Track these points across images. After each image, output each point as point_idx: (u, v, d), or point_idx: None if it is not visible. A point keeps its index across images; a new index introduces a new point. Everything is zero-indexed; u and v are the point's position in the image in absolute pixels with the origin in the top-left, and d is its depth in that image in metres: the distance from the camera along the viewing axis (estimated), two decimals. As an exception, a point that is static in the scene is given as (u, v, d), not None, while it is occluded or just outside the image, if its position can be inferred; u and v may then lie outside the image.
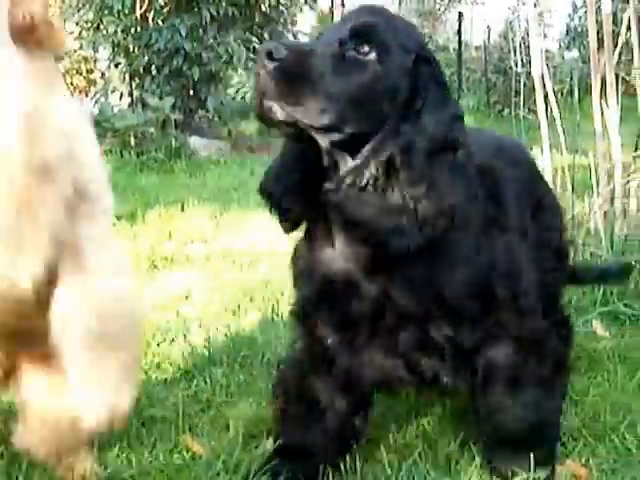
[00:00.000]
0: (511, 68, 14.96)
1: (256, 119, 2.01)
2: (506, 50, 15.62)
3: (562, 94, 4.61)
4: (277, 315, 3.62)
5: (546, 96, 4.15)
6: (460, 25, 17.35)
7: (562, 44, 18.41)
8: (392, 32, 1.96)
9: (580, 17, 15.25)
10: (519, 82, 4.77)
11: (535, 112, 4.18)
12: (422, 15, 17.01)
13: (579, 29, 13.74)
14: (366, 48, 1.91)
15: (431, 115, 1.95)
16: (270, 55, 1.80)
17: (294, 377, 2.36)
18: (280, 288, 4.00)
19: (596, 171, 4.04)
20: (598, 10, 4.02)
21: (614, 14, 4.09)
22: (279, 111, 1.83)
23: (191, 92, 10.33)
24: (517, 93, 14.34)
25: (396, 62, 1.94)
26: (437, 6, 18.50)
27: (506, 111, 15.12)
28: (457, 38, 17.86)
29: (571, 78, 4.68)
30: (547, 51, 17.40)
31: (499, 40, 16.45)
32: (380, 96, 1.94)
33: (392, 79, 1.94)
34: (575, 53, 16.42)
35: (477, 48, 18.51)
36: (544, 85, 4.14)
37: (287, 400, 2.37)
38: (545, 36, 16.78)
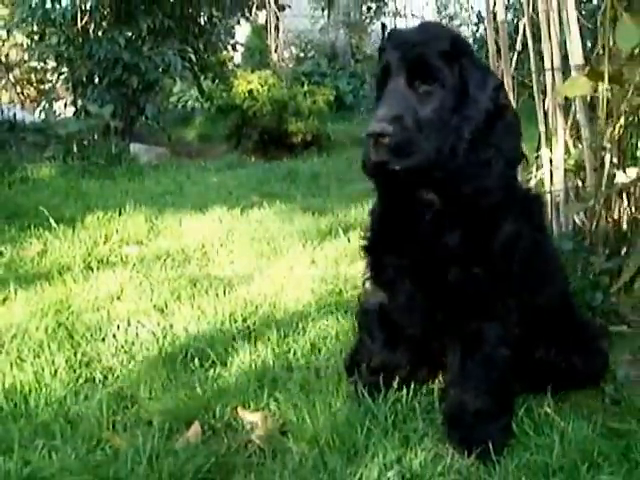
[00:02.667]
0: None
1: (369, 176, 2.46)
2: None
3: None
4: (202, 313, 3.58)
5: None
6: (384, 36, 17.36)
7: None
8: (433, 48, 2.28)
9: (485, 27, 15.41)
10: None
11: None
12: (349, 26, 16.96)
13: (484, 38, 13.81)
14: (429, 80, 2.27)
15: (479, 93, 2.30)
16: (382, 135, 2.17)
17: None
18: (206, 287, 3.97)
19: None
20: (495, 18, 4.05)
21: (516, 23, 4.13)
22: (397, 166, 2.21)
23: (131, 100, 10.17)
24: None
25: (449, 75, 2.27)
26: (363, 17, 18.47)
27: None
28: (382, 47, 17.90)
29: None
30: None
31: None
32: (449, 106, 2.28)
33: (452, 91, 2.28)
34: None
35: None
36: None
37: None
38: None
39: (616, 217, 3.70)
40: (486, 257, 2.36)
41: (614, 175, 3.63)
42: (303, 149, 10.28)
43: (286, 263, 4.49)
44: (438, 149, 2.24)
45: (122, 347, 3.22)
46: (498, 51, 3.97)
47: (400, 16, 18.85)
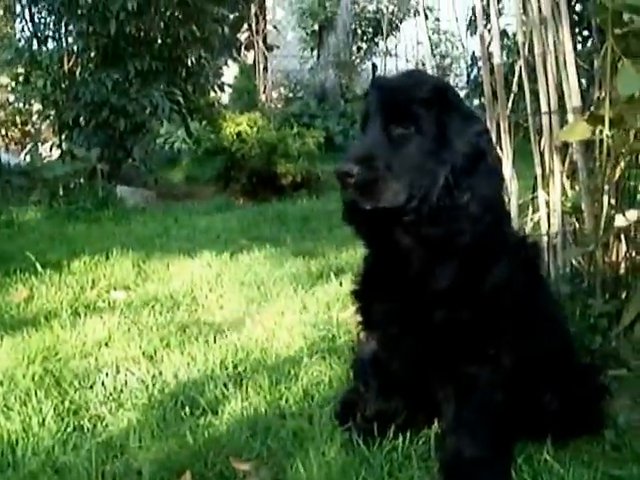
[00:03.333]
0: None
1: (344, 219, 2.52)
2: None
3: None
4: (192, 359, 3.59)
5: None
6: (374, 76, 17.56)
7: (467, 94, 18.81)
8: (412, 94, 2.33)
9: (479, 68, 15.57)
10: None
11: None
12: (339, 66, 17.15)
13: (479, 79, 13.94)
14: (405, 124, 2.31)
15: (458, 138, 2.33)
16: (348, 174, 2.21)
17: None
18: (196, 333, 3.98)
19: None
20: (490, 60, 4.12)
21: (511, 64, 4.20)
22: (366, 206, 2.27)
23: (118, 143, 10.22)
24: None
25: (426, 120, 2.31)
26: (353, 57, 18.68)
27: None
28: (372, 88, 18.06)
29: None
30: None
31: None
32: (425, 150, 2.31)
33: (429, 136, 2.31)
34: (476, 102, 16.73)
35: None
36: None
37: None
38: (456, 86, 17.16)
39: (614, 259, 3.73)
40: (473, 300, 2.39)
41: (612, 218, 3.66)
42: (292, 191, 10.35)
43: (277, 308, 4.51)
44: (409, 192, 2.29)
45: (111, 395, 3.23)
46: (494, 92, 4.02)
47: (390, 56, 19.07)
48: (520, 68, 4.05)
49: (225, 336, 3.97)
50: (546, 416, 2.62)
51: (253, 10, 17.06)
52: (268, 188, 10.23)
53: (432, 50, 17.19)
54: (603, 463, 2.58)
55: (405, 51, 18.46)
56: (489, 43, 4.21)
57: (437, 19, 19.30)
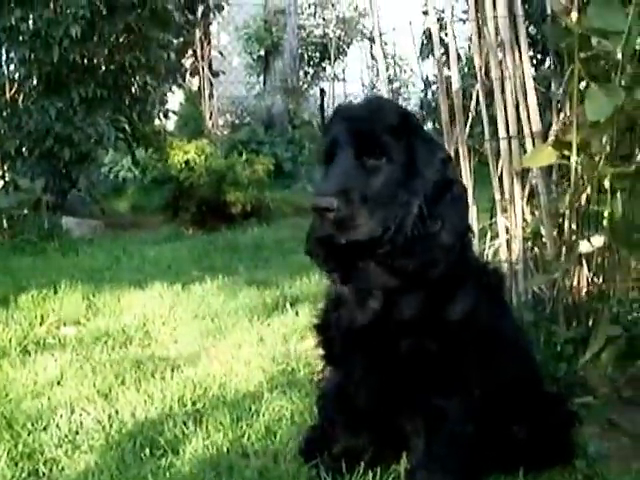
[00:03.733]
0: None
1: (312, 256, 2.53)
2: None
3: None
4: (149, 397, 3.53)
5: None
6: (323, 101, 17.67)
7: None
8: (381, 123, 2.33)
9: (433, 92, 15.69)
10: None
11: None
12: (286, 92, 17.17)
13: (432, 104, 14.06)
14: (376, 155, 2.32)
15: (426, 166, 2.35)
16: (327, 209, 2.20)
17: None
18: (151, 369, 3.93)
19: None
20: (449, 85, 4.15)
21: (464, 89, 4.24)
22: (342, 240, 2.26)
23: (63, 172, 10.10)
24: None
25: (396, 149, 2.33)
26: (300, 82, 18.73)
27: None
28: (320, 113, 18.18)
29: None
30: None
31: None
32: (397, 180, 2.32)
33: (399, 165, 2.33)
34: (429, 125, 16.92)
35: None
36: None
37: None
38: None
39: (576, 285, 3.76)
40: (439, 330, 2.39)
41: (574, 243, 3.69)
42: (243, 219, 10.30)
43: (233, 341, 4.47)
44: (384, 223, 2.29)
45: (66, 437, 3.15)
46: (451, 117, 4.05)
47: (338, 80, 19.18)
48: (477, 92, 4.09)
49: (181, 371, 3.92)
50: (516, 447, 2.61)
51: (198, 35, 17.01)
52: (218, 217, 10.17)
53: (381, 74, 17.36)
54: (575, 494, 2.60)
55: (361, 75, 18.56)
56: (444, 67, 4.25)
57: (385, 43, 19.42)
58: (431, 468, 2.40)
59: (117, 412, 3.38)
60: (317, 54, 19.66)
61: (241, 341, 4.46)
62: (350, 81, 19.14)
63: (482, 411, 2.44)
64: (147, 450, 2.97)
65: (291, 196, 13.14)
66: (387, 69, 19.58)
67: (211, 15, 16.64)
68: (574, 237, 3.71)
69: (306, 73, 19.85)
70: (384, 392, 2.45)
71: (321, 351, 2.66)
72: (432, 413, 2.41)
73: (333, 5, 19.48)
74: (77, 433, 3.19)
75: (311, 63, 19.91)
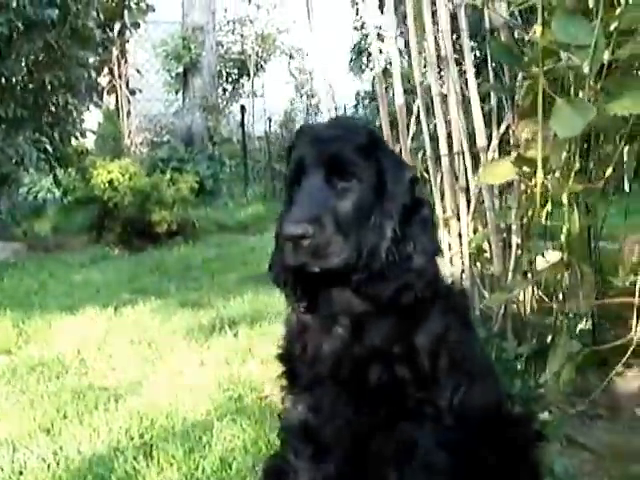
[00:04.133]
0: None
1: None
2: (288, 139, 15.93)
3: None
4: (94, 430, 3.36)
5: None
6: (243, 117, 17.54)
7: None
8: (350, 144, 2.22)
9: (365, 107, 15.71)
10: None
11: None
12: (206, 109, 16.99)
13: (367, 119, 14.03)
14: (347, 177, 2.19)
15: (396, 187, 2.24)
16: (303, 236, 2.07)
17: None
18: (93, 400, 3.75)
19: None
20: (391, 101, 4.08)
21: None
22: (316, 268, 2.14)
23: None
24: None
25: (366, 170, 2.21)
26: (219, 100, 18.57)
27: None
28: (241, 130, 18.05)
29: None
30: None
31: (280, 130, 16.70)
32: (368, 202, 2.21)
33: (370, 186, 2.21)
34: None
35: (259, 138, 18.76)
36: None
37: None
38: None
39: (522, 300, 3.72)
40: (411, 356, 2.29)
41: (519, 258, 3.65)
42: (168, 238, 10.14)
43: (173, 366, 4.32)
44: (359, 248, 2.19)
45: (10, 477, 2.97)
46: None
47: (256, 96, 19.09)
48: (418, 108, 4.03)
49: (124, 401, 3.76)
50: (487, 474, 2.53)
51: (115, 53, 16.76)
52: (143, 237, 9.98)
53: (298, 89, 17.38)
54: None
55: (280, 90, 18.49)
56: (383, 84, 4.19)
57: (303, 58, 19.44)
58: (404, 500, 2.30)
59: (62, 448, 3.19)
60: (235, 71, 19.54)
61: (182, 366, 4.31)
62: (269, 97, 19.06)
63: (454, 438, 2.35)
64: (98, 489, 2.81)
65: (214, 213, 13.01)
66: (304, 85, 19.67)
67: (127, 33, 16.44)
68: (520, 252, 3.68)
69: (224, 90, 19.72)
70: (353, 421, 2.34)
71: (285, 382, 2.53)
72: (403, 444, 2.31)
73: (252, 22, 19.38)
74: (21, 473, 3.00)
75: (229, 80, 19.79)
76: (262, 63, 19.27)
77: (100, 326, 5.37)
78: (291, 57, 20.01)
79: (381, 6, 7.08)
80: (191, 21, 16.76)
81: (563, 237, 2.97)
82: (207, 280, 7.44)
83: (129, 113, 17.82)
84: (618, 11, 2.62)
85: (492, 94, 3.93)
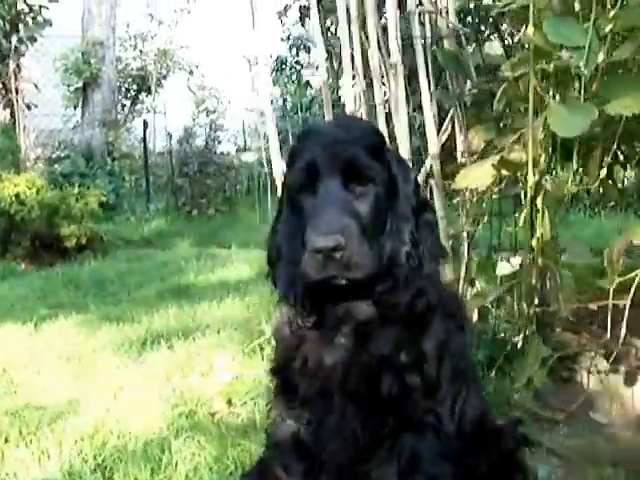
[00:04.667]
0: (198, 172, 14.91)
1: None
2: (191, 155, 15.63)
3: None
4: (43, 453, 3.06)
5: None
6: (145, 133, 17.13)
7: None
8: (363, 146, 2.06)
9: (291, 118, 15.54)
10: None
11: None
12: (106, 124, 16.51)
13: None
14: (363, 183, 2.04)
15: (406, 188, 2.12)
16: (336, 249, 1.91)
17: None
18: (34, 421, 3.44)
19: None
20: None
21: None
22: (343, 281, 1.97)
23: None
24: (204, 195, 14.26)
25: (380, 173, 2.07)
26: (119, 116, 18.11)
27: (195, 212, 15.00)
28: (142, 145, 17.63)
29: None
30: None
31: (181, 146, 16.37)
32: (384, 206, 2.08)
33: (383, 187, 2.07)
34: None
35: (160, 154, 18.35)
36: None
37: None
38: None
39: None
40: (419, 362, 2.13)
41: (468, 263, 3.55)
42: (77, 253, 9.71)
43: (110, 383, 4.02)
44: (381, 255, 2.05)
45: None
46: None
47: (156, 112, 18.71)
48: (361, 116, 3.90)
49: (66, 420, 3.46)
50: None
51: (11, 67, 16.15)
52: (52, 251, 9.54)
53: (198, 105, 17.04)
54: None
55: (180, 106, 18.13)
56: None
57: (203, 75, 19.14)
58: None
59: (9, 475, 2.89)
60: (134, 86, 19.12)
61: (120, 382, 4.02)
62: (170, 113, 18.69)
63: (454, 448, 2.19)
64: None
65: (118, 228, 12.62)
66: (204, 101, 19.36)
67: (23, 47, 15.89)
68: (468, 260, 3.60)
69: (123, 105, 19.26)
70: (358, 434, 2.15)
71: (278, 396, 2.32)
72: (405, 454, 2.13)
73: (153, 37, 18.99)
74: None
75: (128, 95, 19.34)
76: (161, 80, 18.91)
77: (22, 342, 5.03)
78: (190, 73, 19.69)
79: (302, 18, 6.97)
80: (91, 36, 16.28)
81: (534, 242, 2.87)
82: (124, 295, 7.11)
83: (25, 128, 17.18)
84: (612, 14, 2.53)
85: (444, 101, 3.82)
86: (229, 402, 3.69)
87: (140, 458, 2.97)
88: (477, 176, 2.91)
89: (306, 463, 2.29)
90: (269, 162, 4.35)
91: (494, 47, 3.68)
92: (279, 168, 4.02)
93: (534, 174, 2.56)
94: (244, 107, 16.87)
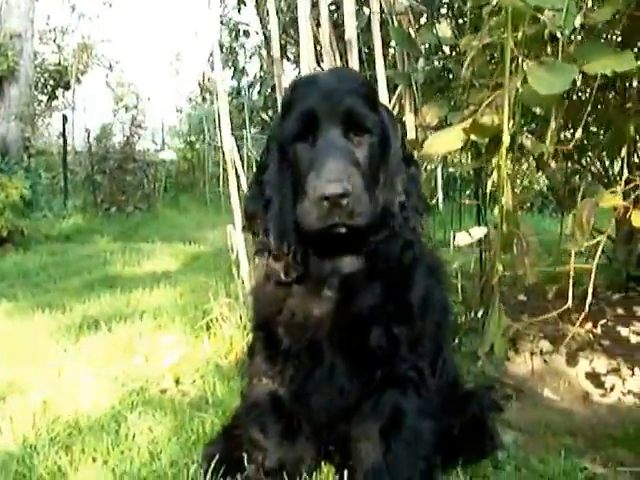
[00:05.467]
0: (117, 169, 14.65)
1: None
2: (110, 151, 15.38)
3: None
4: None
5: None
6: (64, 129, 16.77)
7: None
8: (360, 96, 2.07)
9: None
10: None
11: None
12: (22, 119, 16.10)
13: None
14: (360, 133, 2.05)
15: (395, 139, 2.14)
16: (344, 195, 1.89)
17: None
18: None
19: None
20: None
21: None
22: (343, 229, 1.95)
23: None
24: (123, 192, 14.01)
25: (376, 123, 2.08)
26: (36, 111, 17.69)
27: (113, 209, 14.76)
28: (61, 141, 17.25)
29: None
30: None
31: (100, 143, 16.10)
32: (378, 157, 2.08)
33: (378, 137, 2.09)
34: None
35: (78, 153, 18.01)
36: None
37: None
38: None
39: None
40: (406, 314, 2.14)
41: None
42: (-2, 246, 9.46)
43: (53, 366, 3.90)
44: (376, 205, 2.06)
45: None
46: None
47: (74, 109, 18.37)
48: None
49: (12, 398, 3.35)
50: (451, 440, 2.38)
51: None
52: (-28, 244, 9.27)
53: (117, 102, 16.82)
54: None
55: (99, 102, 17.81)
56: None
57: (122, 71, 18.85)
58: (391, 470, 2.09)
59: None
60: (51, 82, 18.71)
61: (62, 365, 3.90)
62: (89, 109, 18.37)
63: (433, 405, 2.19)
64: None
65: (36, 224, 12.30)
66: (122, 99, 19.09)
67: None
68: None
69: (39, 101, 18.83)
70: (346, 389, 2.13)
71: (261, 354, 2.27)
72: (388, 412, 2.12)
73: (73, 31, 18.64)
74: None
75: (45, 91, 18.92)
76: (79, 75, 18.57)
77: (-47, 330, 4.84)
78: (110, 68, 19.42)
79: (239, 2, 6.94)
80: (8, 27, 15.84)
81: (497, 211, 2.87)
82: (52, 285, 6.93)
83: None
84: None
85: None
86: (177, 381, 3.63)
87: (97, 431, 2.89)
88: (446, 141, 2.90)
89: (284, 423, 2.26)
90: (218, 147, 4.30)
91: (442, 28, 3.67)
92: (229, 145, 3.99)
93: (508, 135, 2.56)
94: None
